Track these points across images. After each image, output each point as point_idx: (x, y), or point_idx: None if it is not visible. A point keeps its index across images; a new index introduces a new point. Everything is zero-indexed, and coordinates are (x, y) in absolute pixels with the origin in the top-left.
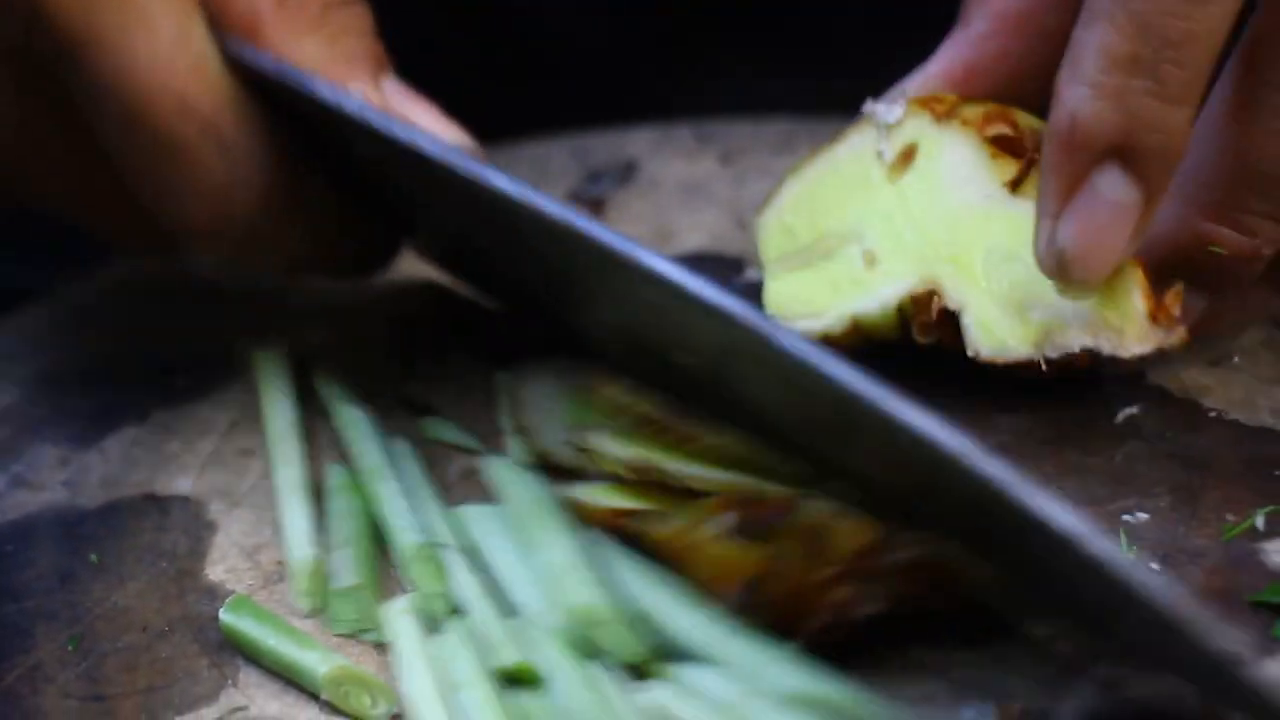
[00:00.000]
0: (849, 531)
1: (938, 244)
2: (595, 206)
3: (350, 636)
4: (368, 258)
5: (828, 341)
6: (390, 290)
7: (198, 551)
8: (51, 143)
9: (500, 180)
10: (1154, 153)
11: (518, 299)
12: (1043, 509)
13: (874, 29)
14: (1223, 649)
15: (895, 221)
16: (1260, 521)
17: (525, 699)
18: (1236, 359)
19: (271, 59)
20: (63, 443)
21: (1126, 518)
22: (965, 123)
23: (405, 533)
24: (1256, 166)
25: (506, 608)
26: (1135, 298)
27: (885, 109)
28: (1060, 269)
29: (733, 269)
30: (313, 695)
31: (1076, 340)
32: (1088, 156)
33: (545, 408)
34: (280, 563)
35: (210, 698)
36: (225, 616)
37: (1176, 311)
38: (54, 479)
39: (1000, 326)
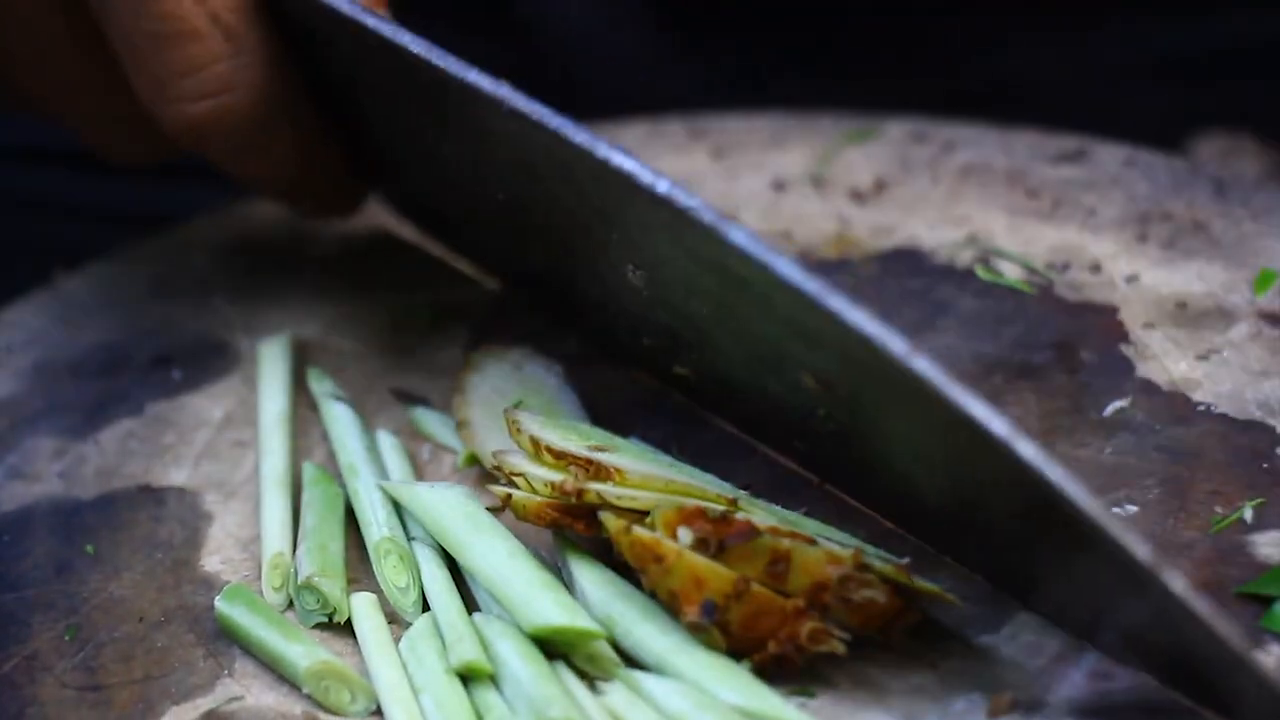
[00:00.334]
0: (812, 562)
1: None
2: None
3: (321, 629)
4: (336, 196)
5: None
6: (386, 282)
7: (193, 542)
8: (57, 43)
9: (474, 74)
10: None
11: (483, 244)
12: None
13: (865, 25)
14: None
15: None
16: (1248, 514)
17: (489, 695)
18: (1225, 352)
19: None
20: (58, 434)
21: (1116, 510)
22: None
23: (373, 527)
24: None
25: (472, 602)
26: None
27: None
28: None
29: None
30: None
31: None
32: None
33: (489, 405)
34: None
35: (206, 688)
36: (220, 606)
37: None
38: (50, 470)
39: None
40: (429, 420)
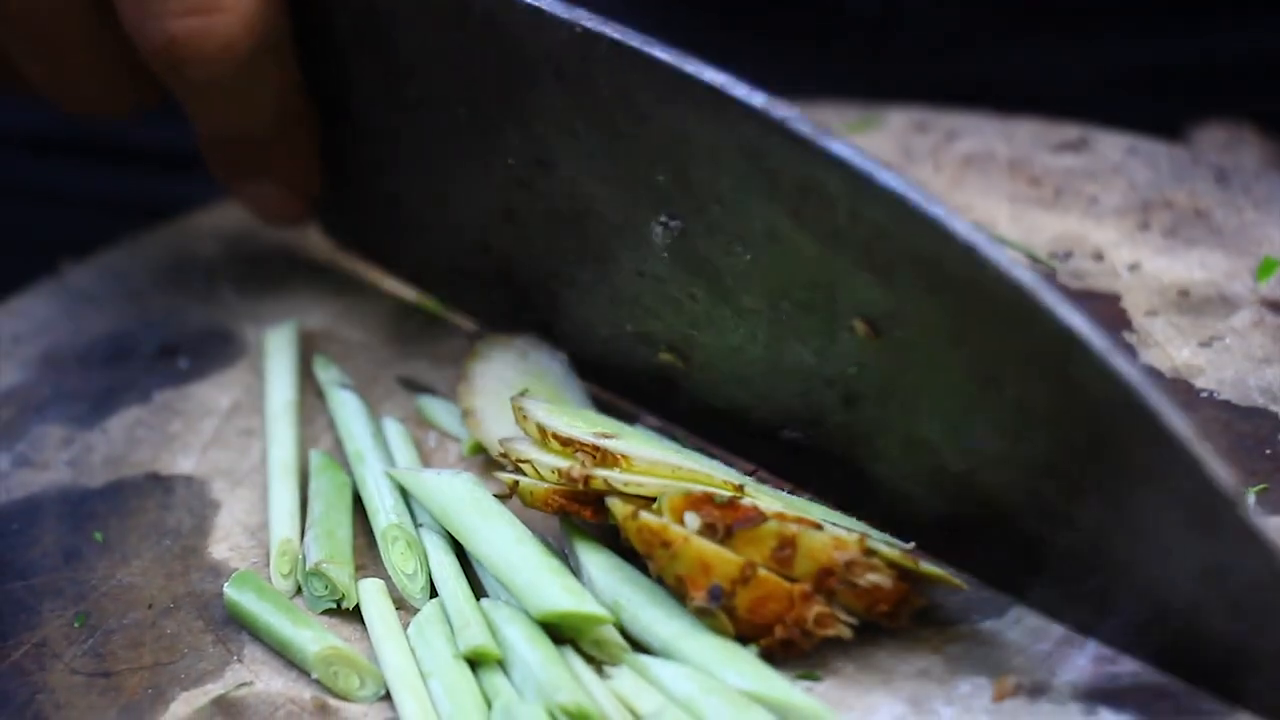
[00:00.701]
0: (818, 547)
1: None
2: None
3: (329, 615)
4: (298, 185)
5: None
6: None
7: (201, 529)
8: None
9: None
10: None
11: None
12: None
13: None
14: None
15: None
16: (1251, 500)
17: (497, 679)
18: (1227, 340)
19: None
20: (66, 423)
21: None
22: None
23: (381, 514)
24: None
25: (479, 588)
26: None
27: None
28: None
29: None
30: None
31: None
32: None
33: (495, 394)
34: None
35: (215, 673)
36: (229, 592)
37: None
38: (58, 458)
39: None
40: (434, 408)
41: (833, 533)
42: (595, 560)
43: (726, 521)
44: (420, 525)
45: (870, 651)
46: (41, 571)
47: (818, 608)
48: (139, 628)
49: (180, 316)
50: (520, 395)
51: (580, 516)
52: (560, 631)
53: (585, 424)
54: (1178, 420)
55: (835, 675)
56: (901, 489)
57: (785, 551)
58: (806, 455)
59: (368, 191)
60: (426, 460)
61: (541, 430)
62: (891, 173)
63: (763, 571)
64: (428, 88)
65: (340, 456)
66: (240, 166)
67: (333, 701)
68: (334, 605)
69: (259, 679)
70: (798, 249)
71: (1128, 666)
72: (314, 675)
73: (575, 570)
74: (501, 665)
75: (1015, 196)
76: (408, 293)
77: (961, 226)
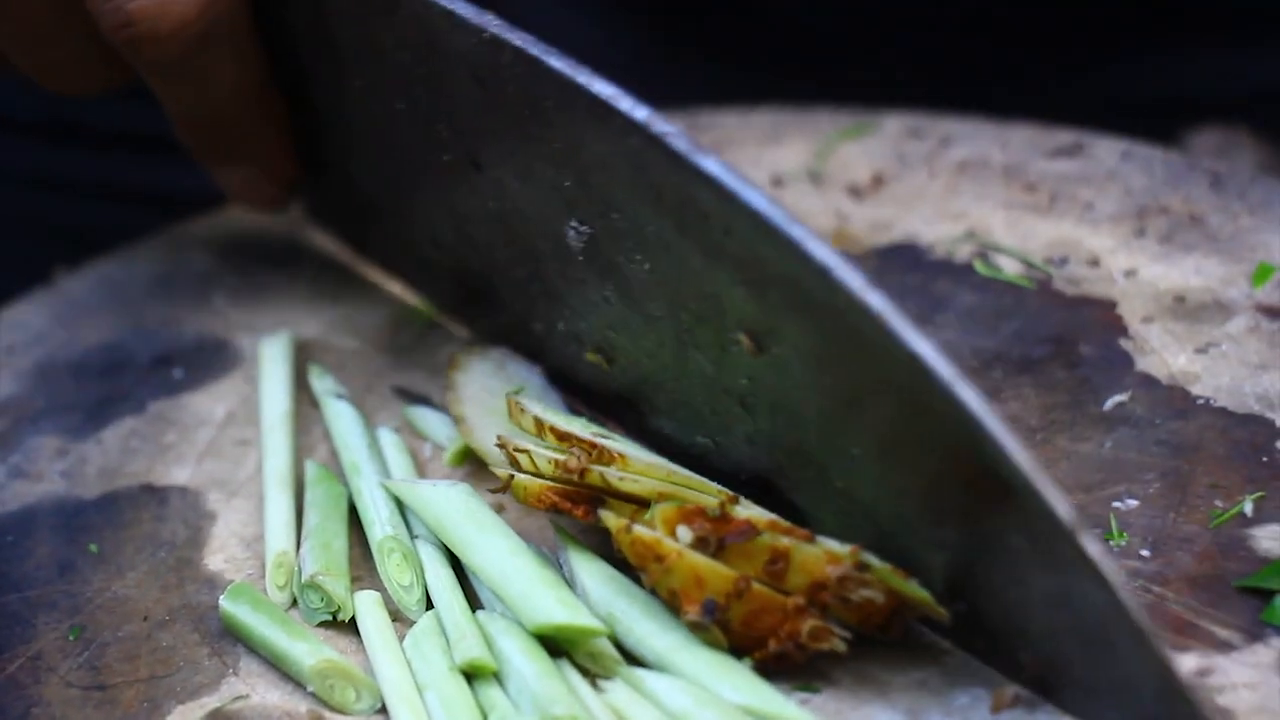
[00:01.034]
0: (811, 560)
1: None
2: None
3: (325, 627)
4: (268, 169)
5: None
6: (385, 281)
7: (196, 541)
8: None
9: None
10: None
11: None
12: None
13: (857, 22)
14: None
15: None
16: (1248, 507)
17: (493, 692)
18: (1224, 346)
19: None
20: (61, 434)
21: (1116, 504)
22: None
23: (376, 525)
24: None
25: (475, 600)
26: None
27: None
28: None
29: None
30: None
31: None
32: None
33: (481, 401)
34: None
35: (211, 686)
36: (225, 605)
37: None
38: (52, 470)
39: None
40: (422, 417)
41: (825, 546)
42: (590, 572)
43: (719, 535)
44: (416, 537)
45: (866, 663)
46: (36, 584)
47: (812, 621)
48: (134, 640)
49: (174, 327)
50: (515, 393)
51: (572, 517)
52: (556, 644)
53: (580, 425)
54: (1018, 450)
55: (832, 687)
56: (799, 504)
57: (778, 565)
58: (717, 463)
59: (338, 178)
60: (422, 470)
61: (539, 423)
62: (758, 191)
63: (757, 585)
64: (367, 80)
65: (336, 467)
66: (215, 150)
67: (329, 714)
68: (330, 618)
69: (255, 692)
70: (685, 259)
71: None
72: (310, 688)
73: (570, 582)
74: (497, 678)
75: (1010, 202)
76: (402, 301)
77: (819, 249)
